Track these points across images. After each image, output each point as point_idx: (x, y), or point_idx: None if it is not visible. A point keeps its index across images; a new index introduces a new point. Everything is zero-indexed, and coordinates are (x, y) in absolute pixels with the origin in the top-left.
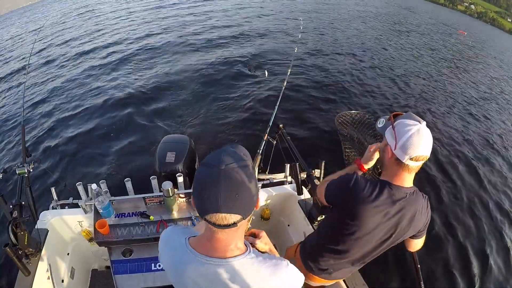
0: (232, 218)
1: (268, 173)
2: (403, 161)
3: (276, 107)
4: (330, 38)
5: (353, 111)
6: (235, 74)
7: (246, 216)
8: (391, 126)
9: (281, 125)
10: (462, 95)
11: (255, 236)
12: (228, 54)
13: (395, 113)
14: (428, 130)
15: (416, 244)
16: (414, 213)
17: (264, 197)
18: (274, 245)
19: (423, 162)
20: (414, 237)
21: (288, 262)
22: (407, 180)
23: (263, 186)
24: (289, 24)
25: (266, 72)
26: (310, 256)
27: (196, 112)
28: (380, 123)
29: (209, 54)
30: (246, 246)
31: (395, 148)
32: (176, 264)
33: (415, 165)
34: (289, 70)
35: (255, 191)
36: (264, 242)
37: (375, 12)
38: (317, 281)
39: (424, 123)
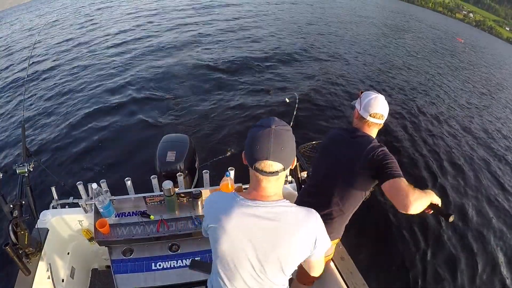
0: (277, 166)
1: None
2: (365, 117)
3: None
4: (333, 46)
5: (314, 142)
6: (243, 81)
7: (286, 167)
8: (359, 98)
9: None
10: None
11: None
12: (241, 59)
13: (362, 90)
14: (384, 99)
15: (385, 190)
16: (359, 146)
17: None
18: None
19: (380, 120)
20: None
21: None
22: (366, 131)
23: None
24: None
25: (287, 99)
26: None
27: (198, 112)
28: (354, 101)
29: (219, 58)
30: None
31: (360, 109)
32: (226, 211)
33: (374, 121)
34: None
35: (294, 149)
36: None
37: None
38: None
39: (381, 95)
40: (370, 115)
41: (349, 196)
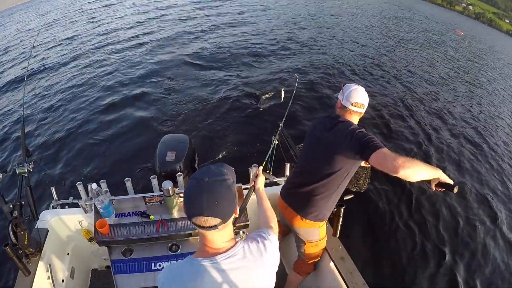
0: (213, 221)
1: (271, 173)
2: (347, 106)
3: (286, 111)
4: (333, 38)
5: None
6: (245, 82)
7: (226, 221)
8: (341, 90)
9: (281, 124)
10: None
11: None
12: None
13: (344, 83)
14: (364, 90)
15: (374, 162)
16: (340, 129)
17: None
18: None
19: (361, 109)
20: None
21: (268, 234)
22: (348, 119)
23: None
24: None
25: (283, 93)
26: (283, 190)
27: (198, 112)
28: (336, 93)
29: (220, 59)
30: (235, 239)
31: (342, 99)
32: (197, 282)
33: (355, 110)
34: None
35: (232, 200)
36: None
37: (370, 13)
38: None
39: (361, 87)
40: (352, 104)
41: (332, 175)
